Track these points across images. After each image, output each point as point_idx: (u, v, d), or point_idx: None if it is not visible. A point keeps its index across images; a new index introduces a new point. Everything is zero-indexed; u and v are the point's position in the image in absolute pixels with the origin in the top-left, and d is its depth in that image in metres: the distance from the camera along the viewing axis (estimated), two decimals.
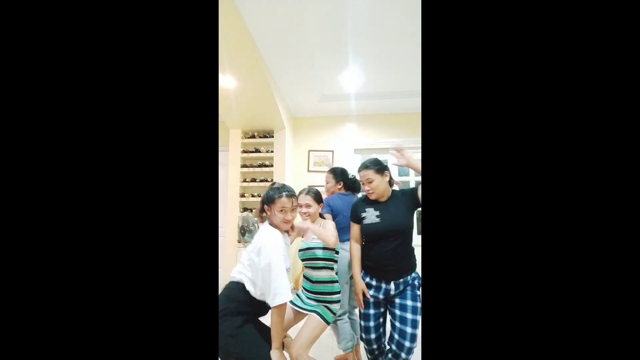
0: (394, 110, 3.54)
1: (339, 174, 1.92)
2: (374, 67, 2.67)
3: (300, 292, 1.51)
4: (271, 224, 1.27)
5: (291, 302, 1.43)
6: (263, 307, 1.21)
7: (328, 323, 1.37)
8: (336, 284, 1.44)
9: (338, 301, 1.42)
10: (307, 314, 1.40)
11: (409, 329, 1.31)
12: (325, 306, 1.40)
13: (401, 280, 1.36)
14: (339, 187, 1.90)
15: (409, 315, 1.33)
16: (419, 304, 1.35)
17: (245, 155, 3.34)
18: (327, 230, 1.39)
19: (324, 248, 1.41)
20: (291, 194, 1.26)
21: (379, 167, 1.41)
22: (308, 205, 1.47)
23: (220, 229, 3.34)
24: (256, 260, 1.16)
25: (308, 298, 1.45)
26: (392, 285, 1.37)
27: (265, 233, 1.22)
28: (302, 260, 1.48)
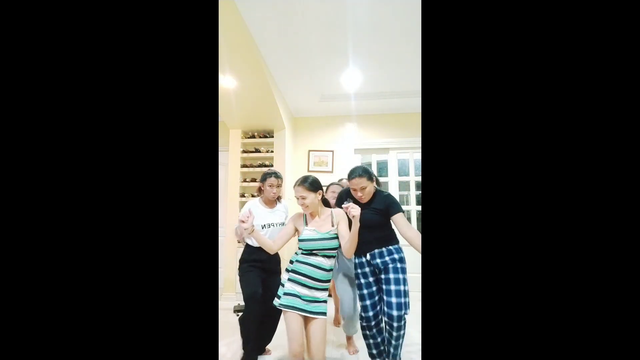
0: (394, 110, 3.54)
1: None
2: (374, 67, 2.67)
3: (295, 291, 1.41)
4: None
5: (293, 306, 1.38)
6: (264, 255, 1.69)
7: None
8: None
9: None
10: (313, 318, 1.38)
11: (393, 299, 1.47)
12: (325, 300, 1.43)
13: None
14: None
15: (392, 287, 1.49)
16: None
17: (245, 155, 3.33)
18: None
19: (335, 237, 1.44)
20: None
21: (369, 174, 1.53)
22: (303, 197, 1.45)
23: (220, 229, 3.33)
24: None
25: (313, 289, 1.40)
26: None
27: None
28: (316, 249, 1.42)
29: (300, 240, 1.46)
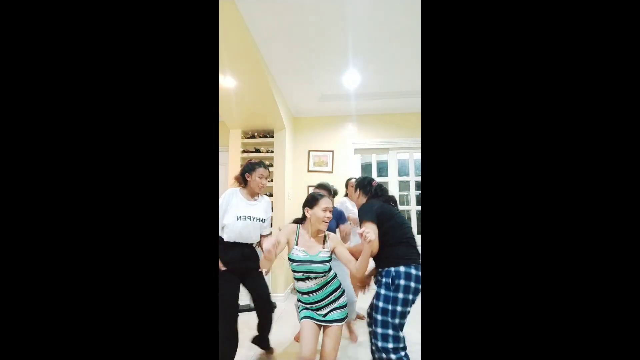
0: (394, 110, 3.54)
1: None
2: (374, 67, 2.67)
3: (311, 313, 1.40)
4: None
5: (312, 318, 1.38)
6: (237, 254, 1.69)
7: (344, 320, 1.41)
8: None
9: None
10: (329, 326, 1.37)
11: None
12: (342, 306, 1.43)
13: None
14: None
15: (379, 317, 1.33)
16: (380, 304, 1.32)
17: (245, 155, 3.33)
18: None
19: (325, 261, 1.40)
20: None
21: (355, 185, 1.67)
22: (331, 211, 1.41)
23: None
24: None
25: (326, 306, 1.40)
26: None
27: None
28: (304, 271, 1.39)
29: (289, 259, 1.41)
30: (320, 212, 1.39)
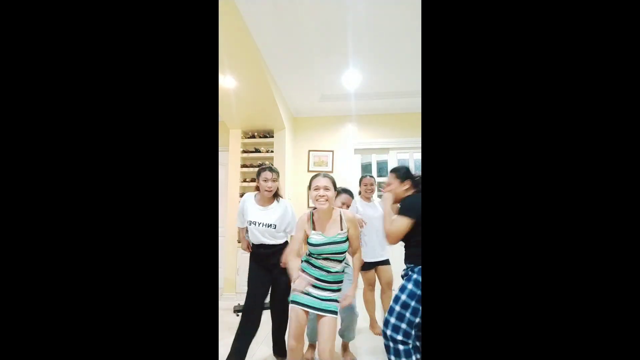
0: (394, 110, 3.54)
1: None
2: (373, 67, 2.67)
3: (305, 289, 1.39)
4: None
5: (303, 303, 1.37)
6: (269, 251, 1.79)
7: (337, 314, 1.41)
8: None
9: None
10: (323, 315, 1.36)
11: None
12: (336, 299, 1.41)
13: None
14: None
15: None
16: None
17: (245, 155, 3.33)
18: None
19: (344, 241, 1.41)
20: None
21: (398, 173, 1.57)
22: (327, 188, 1.38)
23: (220, 229, 3.33)
24: None
25: (323, 289, 1.39)
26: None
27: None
28: (324, 253, 1.40)
29: (308, 244, 1.43)
30: (312, 192, 1.40)
